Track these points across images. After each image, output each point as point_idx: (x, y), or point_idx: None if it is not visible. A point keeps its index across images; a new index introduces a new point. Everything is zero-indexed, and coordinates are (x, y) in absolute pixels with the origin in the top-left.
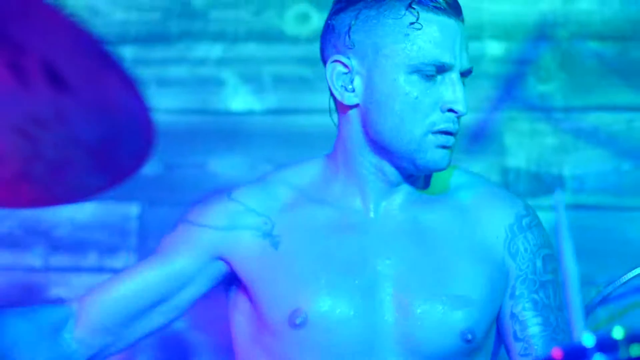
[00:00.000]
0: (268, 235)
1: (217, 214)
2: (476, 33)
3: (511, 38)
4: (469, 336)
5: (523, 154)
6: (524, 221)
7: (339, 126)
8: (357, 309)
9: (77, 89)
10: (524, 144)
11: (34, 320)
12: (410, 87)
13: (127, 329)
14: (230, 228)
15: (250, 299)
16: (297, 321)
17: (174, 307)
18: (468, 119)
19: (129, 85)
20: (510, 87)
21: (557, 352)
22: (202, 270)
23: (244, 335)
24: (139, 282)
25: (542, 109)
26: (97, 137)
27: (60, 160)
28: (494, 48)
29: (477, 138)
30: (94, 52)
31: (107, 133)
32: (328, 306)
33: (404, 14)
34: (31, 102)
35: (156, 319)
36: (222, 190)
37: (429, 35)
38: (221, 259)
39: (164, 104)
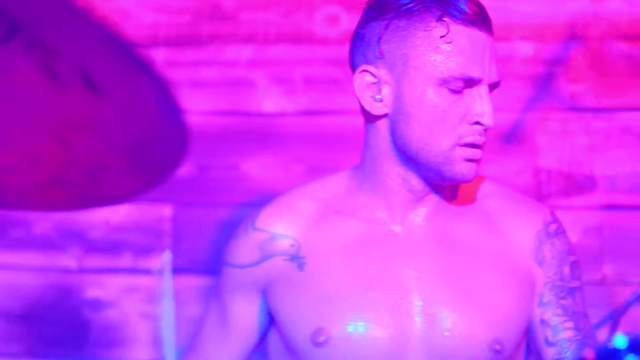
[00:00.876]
0: (295, 257)
1: (248, 250)
2: (505, 34)
3: (541, 38)
4: (498, 347)
5: (555, 154)
6: (551, 228)
7: (366, 135)
8: (382, 323)
9: (110, 92)
10: (556, 144)
11: None
12: (438, 99)
13: None
14: (263, 259)
15: (276, 323)
16: (320, 339)
17: (258, 347)
18: (499, 119)
19: (161, 88)
20: (541, 87)
21: (589, 353)
22: (261, 310)
23: (276, 356)
24: (234, 345)
25: (573, 109)
26: (131, 140)
27: (95, 164)
28: (524, 49)
29: (509, 139)
30: (126, 55)
31: (140, 136)
32: (351, 323)
33: (435, 26)
34: (66, 107)
35: None
36: (247, 219)
37: (459, 49)
38: (262, 291)
39: (196, 106)
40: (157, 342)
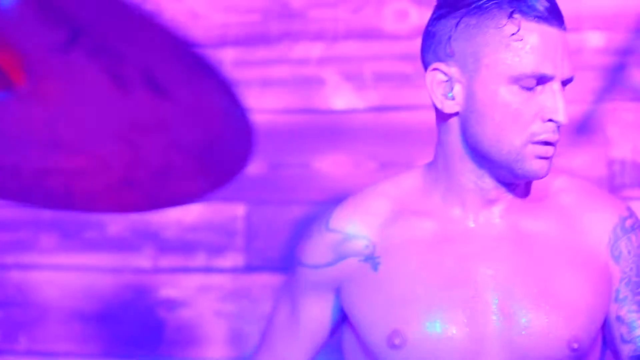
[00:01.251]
0: (369, 258)
1: (322, 250)
2: (576, 25)
3: (612, 29)
4: (575, 345)
5: (628, 145)
6: (627, 223)
7: (438, 133)
8: (459, 323)
9: (175, 94)
10: (629, 135)
11: None
12: (510, 97)
13: None
14: (337, 260)
15: (351, 323)
16: (396, 342)
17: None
18: (571, 111)
19: (226, 88)
20: (612, 78)
21: None
22: (336, 307)
23: (352, 356)
24: (305, 342)
25: None
26: (198, 141)
27: (163, 166)
28: (595, 39)
29: (581, 130)
30: (190, 57)
31: (207, 137)
32: (426, 325)
33: (506, 24)
34: (132, 110)
35: None
36: (320, 219)
37: (530, 46)
38: (335, 290)
39: (267, 105)
40: (231, 340)
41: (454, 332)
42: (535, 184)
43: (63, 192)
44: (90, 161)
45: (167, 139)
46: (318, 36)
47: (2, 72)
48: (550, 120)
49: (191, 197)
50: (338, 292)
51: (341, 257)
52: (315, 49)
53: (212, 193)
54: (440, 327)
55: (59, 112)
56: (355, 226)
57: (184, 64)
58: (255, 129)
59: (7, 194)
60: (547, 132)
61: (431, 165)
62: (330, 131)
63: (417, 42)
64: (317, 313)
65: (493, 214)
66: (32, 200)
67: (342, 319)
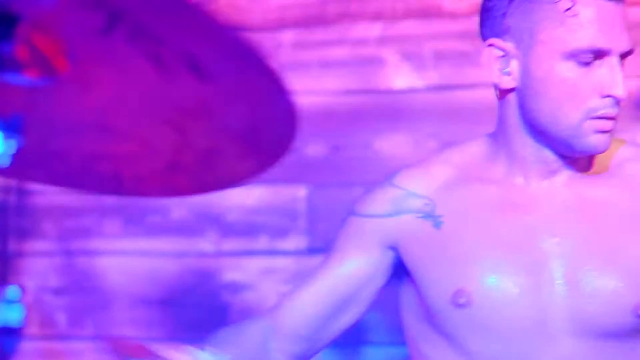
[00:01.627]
0: (430, 216)
1: (381, 202)
2: None
3: None
4: None
5: None
6: None
7: (498, 109)
8: (524, 287)
9: (217, 78)
10: None
11: (243, 343)
12: (567, 73)
13: (320, 333)
14: (394, 214)
15: (414, 281)
16: (461, 301)
17: (360, 304)
18: (633, 86)
19: (267, 71)
20: None
21: None
22: (379, 262)
23: (411, 315)
24: (323, 288)
25: None
26: (241, 124)
27: (209, 149)
28: None
29: None
30: (230, 40)
31: (250, 119)
32: (492, 285)
33: None
34: (175, 94)
35: (345, 319)
36: (386, 179)
37: (585, 20)
38: (391, 247)
39: (327, 86)
40: None
41: (520, 295)
42: (598, 155)
43: (112, 177)
44: (138, 146)
45: (212, 122)
46: (377, 16)
47: (45, 58)
48: (608, 95)
49: (237, 179)
50: (396, 250)
51: (399, 211)
52: (374, 29)
53: (258, 175)
54: (507, 289)
55: (106, 98)
56: (418, 185)
57: (226, 48)
58: (298, 110)
59: (57, 180)
60: (605, 107)
61: (493, 136)
62: (391, 111)
63: (476, 20)
64: (352, 261)
65: (556, 183)
66: (82, 185)
67: (395, 276)
